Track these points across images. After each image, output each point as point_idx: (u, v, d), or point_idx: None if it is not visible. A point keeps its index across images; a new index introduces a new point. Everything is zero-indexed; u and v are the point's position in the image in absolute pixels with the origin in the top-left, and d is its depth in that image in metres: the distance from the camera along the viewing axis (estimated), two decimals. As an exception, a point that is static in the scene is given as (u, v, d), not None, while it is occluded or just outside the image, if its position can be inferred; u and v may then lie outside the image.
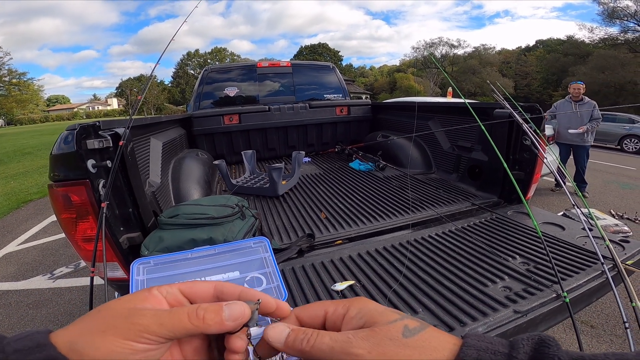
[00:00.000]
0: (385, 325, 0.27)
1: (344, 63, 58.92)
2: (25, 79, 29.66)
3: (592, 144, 4.82)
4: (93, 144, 1.19)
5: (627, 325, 1.15)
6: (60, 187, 1.19)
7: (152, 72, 1.65)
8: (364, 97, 22.68)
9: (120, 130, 1.31)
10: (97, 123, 1.25)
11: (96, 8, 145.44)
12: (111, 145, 1.25)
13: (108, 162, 1.24)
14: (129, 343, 0.25)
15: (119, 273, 1.36)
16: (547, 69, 35.02)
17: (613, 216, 3.89)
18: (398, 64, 56.62)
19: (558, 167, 3.28)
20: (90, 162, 1.19)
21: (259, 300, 0.31)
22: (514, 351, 0.25)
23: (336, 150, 3.77)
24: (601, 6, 27.25)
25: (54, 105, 71.70)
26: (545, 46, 39.86)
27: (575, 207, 1.50)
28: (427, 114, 2.94)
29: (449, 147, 2.67)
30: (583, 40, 30.93)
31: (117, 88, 58.37)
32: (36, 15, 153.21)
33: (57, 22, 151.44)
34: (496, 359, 0.25)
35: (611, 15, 26.86)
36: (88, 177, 1.18)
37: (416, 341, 0.26)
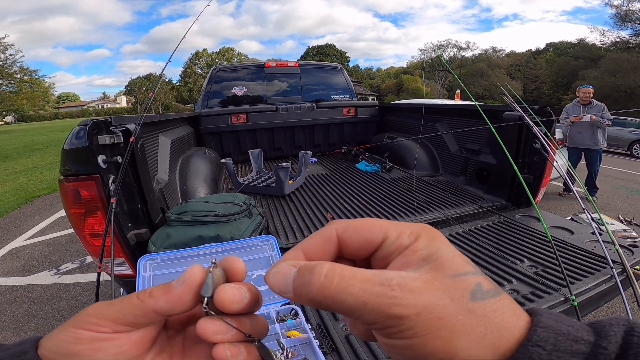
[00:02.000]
0: (449, 279, 0.20)
1: (351, 64, 58.90)
2: (37, 77, 30.02)
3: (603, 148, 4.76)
4: (104, 139, 1.20)
5: None
6: (71, 182, 1.20)
7: (163, 70, 1.66)
8: (370, 98, 22.65)
9: (131, 127, 1.32)
10: (109, 119, 1.26)
11: (110, 7, 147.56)
12: (122, 141, 1.26)
13: (118, 157, 1.25)
14: (74, 330, 0.22)
15: (126, 269, 1.37)
16: (557, 72, 34.64)
17: (621, 222, 3.84)
18: (405, 66, 56.53)
19: (568, 170, 3.25)
20: (101, 158, 1.20)
21: (214, 260, 0.24)
22: (602, 340, 0.18)
23: (343, 151, 3.77)
24: (613, 9, 27.02)
25: (64, 103, 72.70)
26: (556, 49, 39.49)
27: (586, 211, 1.48)
28: (435, 116, 2.93)
29: (456, 149, 2.65)
30: (594, 43, 30.64)
31: (126, 86, 58.96)
32: (51, 14, 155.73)
33: (71, 21, 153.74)
34: (578, 349, 0.18)
35: (623, 19, 26.58)
36: (98, 172, 1.19)
37: (486, 308, 0.19)
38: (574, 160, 4.85)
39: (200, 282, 0.22)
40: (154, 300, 0.22)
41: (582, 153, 4.75)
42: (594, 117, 4.38)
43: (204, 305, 0.22)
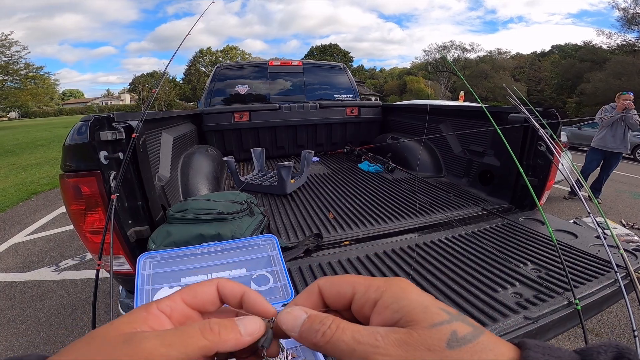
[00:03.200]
0: (427, 330, 0.21)
1: (354, 64, 58.83)
2: (41, 73, 30.12)
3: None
4: (106, 135, 1.19)
5: (636, 333, 1.15)
6: (72, 178, 1.19)
7: (166, 67, 1.65)
8: (373, 98, 22.59)
9: (134, 123, 1.32)
10: (111, 115, 1.25)
11: (117, 5, 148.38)
12: (124, 137, 1.25)
13: (120, 154, 1.24)
14: None
15: (125, 267, 1.36)
16: (562, 75, 34.41)
17: (624, 226, 3.81)
18: (409, 67, 56.39)
19: (573, 174, 3.23)
20: (102, 154, 1.19)
21: (272, 318, 0.27)
22: None
23: (345, 150, 3.75)
24: (620, 12, 26.90)
25: (69, 99, 72.94)
26: (561, 51, 39.27)
27: (591, 215, 1.46)
28: (438, 117, 2.91)
29: (460, 150, 2.64)
30: (600, 46, 30.46)
31: (130, 84, 59.07)
32: (59, 11, 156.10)
33: (78, 18, 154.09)
34: None
35: (630, 21, 26.45)
36: (100, 168, 1.18)
37: (464, 354, 0.20)
38: (594, 164, 4.83)
39: (262, 335, 0.26)
40: (223, 342, 0.24)
41: (604, 157, 4.73)
42: (631, 104, 4.36)
43: (263, 353, 0.26)
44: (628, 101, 4.41)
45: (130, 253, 1.33)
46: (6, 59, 26.80)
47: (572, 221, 2.10)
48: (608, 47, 29.54)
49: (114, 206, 1.14)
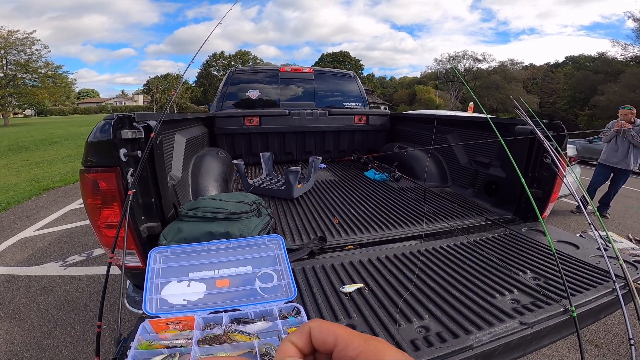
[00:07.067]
0: None
1: (365, 73, 58.97)
2: (60, 72, 30.89)
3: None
4: (127, 134, 1.26)
5: (632, 342, 1.17)
6: (91, 173, 1.26)
7: (185, 71, 1.72)
8: (382, 107, 22.64)
9: (152, 123, 1.39)
10: (132, 115, 1.33)
11: (141, 7, 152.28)
12: (143, 136, 1.32)
13: (138, 152, 1.31)
14: None
15: (135, 261, 1.41)
16: (575, 87, 33.99)
17: (630, 240, 3.77)
18: (419, 76, 56.33)
19: (578, 188, 3.22)
20: (122, 151, 1.26)
21: None
22: None
23: (352, 158, 3.80)
24: (636, 23, 26.68)
25: (84, 99, 74.39)
26: (575, 63, 38.85)
27: (592, 226, 1.48)
28: (446, 128, 2.94)
29: (466, 161, 2.66)
30: (615, 57, 30.10)
31: (144, 85, 60.07)
32: (87, 12, 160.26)
33: (103, 19, 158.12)
34: None
35: (646, 33, 26.22)
36: (119, 165, 1.25)
37: None
38: (601, 178, 4.83)
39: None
40: None
41: (612, 172, 4.73)
42: (622, 124, 4.37)
43: None
44: (628, 115, 4.41)
45: (142, 248, 1.38)
46: (27, 57, 27.57)
47: (578, 235, 2.12)
48: (623, 58, 29.21)
49: (130, 202, 1.20)
